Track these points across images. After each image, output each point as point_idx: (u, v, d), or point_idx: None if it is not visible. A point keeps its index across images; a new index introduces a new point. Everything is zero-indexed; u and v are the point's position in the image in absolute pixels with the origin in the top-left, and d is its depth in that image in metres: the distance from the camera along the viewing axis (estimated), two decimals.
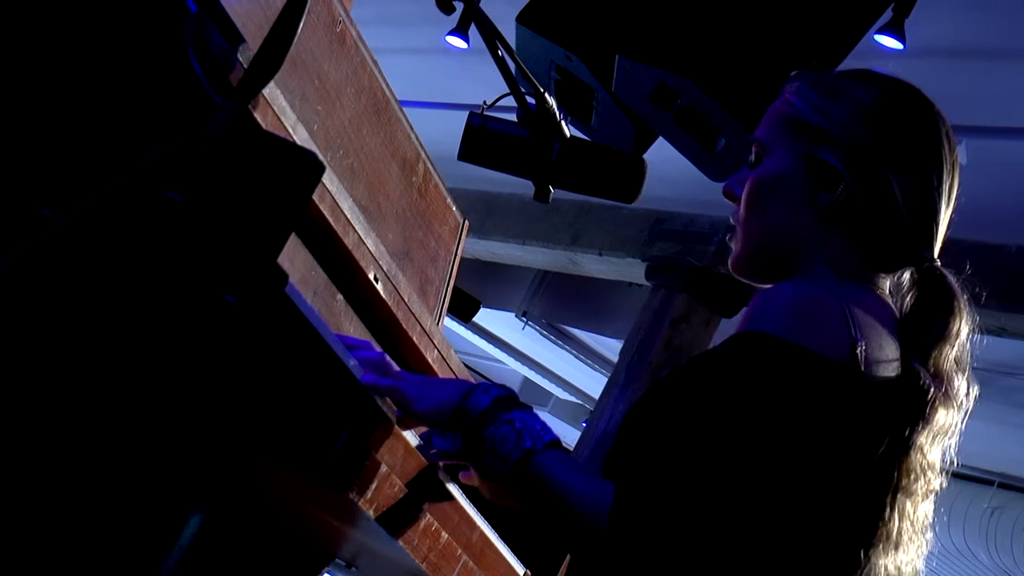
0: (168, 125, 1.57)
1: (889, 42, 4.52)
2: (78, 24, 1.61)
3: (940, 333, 1.81)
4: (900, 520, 1.74)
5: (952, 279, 1.87)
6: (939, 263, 1.90)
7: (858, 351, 1.71)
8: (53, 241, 1.49)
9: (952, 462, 1.83)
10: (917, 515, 1.77)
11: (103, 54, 1.61)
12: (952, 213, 1.94)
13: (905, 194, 1.86)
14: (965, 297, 1.86)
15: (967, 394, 1.83)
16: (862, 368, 1.71)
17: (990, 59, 5.45)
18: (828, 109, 1.91)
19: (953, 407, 1.79)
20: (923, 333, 1.81)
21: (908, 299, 1.88)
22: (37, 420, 1.69)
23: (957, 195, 1.94)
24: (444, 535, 1.91)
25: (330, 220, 1.82)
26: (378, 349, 1.90)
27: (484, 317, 10.52)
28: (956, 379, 1.81)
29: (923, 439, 1.75)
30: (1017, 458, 9.61)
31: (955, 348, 1.82)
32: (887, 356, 1.76)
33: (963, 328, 1.84)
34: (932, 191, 1.89)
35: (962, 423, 1.82)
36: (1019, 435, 9.10)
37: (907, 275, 1.91)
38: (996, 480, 10.04)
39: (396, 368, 1.89)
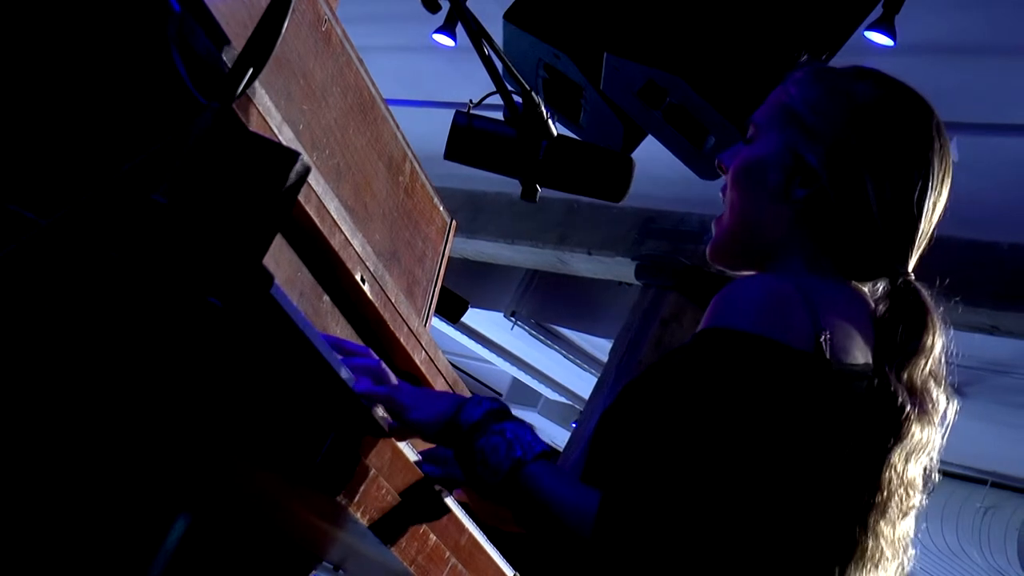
0: (152, 126, 1.56)
1: (880, 38, 4.52)
2: (60, 25, 1.60)
3: (915, 348, 1.80)
4: (875, 540, 1.72)
5: (925, 293, 1.86)
6: (912, 277, 1.88)
7: (822, 339, 1.70)
8: (37, 244, 1.47)
9: (935, 479, 1.81)
10: (896, 535, 1.75)
11: (86, 55, 1.59)
12: (937, 222, 1.92)
13: (881, 203, 1.85)
14: (939, 311, 1.85)
15: (945, 408, 1.82)
16: (827, 356, 1.70)
17: (981, 55, 5.45)
18: (821, 105, 1.90)
19: (930, 423, 1.78)
20: (897, 348, 1.79)
21: (882, 307, 1.86)
22: (23, 423, 1.68)
23: (946, 206, 1.92)
24: (432, 538, 1.91)
25: (316, 221, 1.81)
26: (375, 357, 1.90)
27: (472, 317, 10.51)
28: (933, 393, 1.80)
29: (896, 457, 1.74)
30: (1010, 457, 9.62)
31: (930, 362, 1.81)
32: (856, 346, 1.75)
33: (937, 342, 1.82)
34: (912, 200, 1.87)
35: (942, 438, 1.80)
36: (1012, 434, 9.10)
37: (881, 285, 1.90)
38: (989, 479, 10.04)
39: (393, 377, 1.89)
